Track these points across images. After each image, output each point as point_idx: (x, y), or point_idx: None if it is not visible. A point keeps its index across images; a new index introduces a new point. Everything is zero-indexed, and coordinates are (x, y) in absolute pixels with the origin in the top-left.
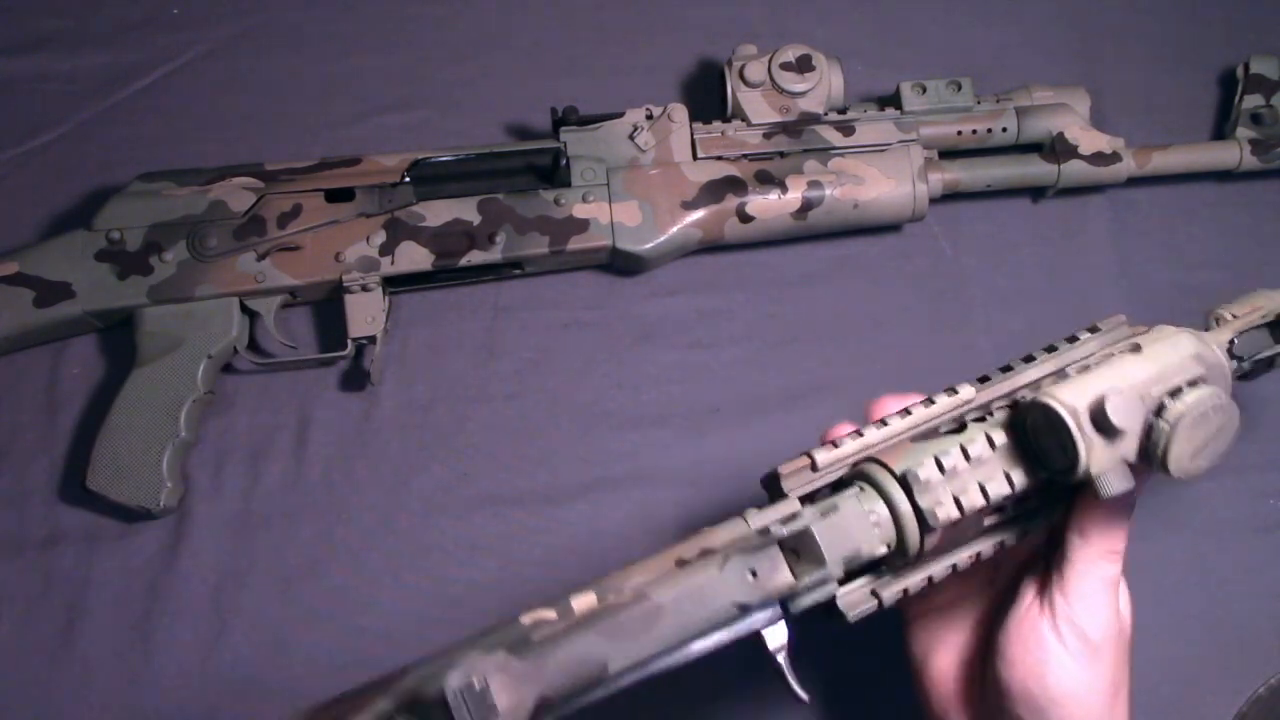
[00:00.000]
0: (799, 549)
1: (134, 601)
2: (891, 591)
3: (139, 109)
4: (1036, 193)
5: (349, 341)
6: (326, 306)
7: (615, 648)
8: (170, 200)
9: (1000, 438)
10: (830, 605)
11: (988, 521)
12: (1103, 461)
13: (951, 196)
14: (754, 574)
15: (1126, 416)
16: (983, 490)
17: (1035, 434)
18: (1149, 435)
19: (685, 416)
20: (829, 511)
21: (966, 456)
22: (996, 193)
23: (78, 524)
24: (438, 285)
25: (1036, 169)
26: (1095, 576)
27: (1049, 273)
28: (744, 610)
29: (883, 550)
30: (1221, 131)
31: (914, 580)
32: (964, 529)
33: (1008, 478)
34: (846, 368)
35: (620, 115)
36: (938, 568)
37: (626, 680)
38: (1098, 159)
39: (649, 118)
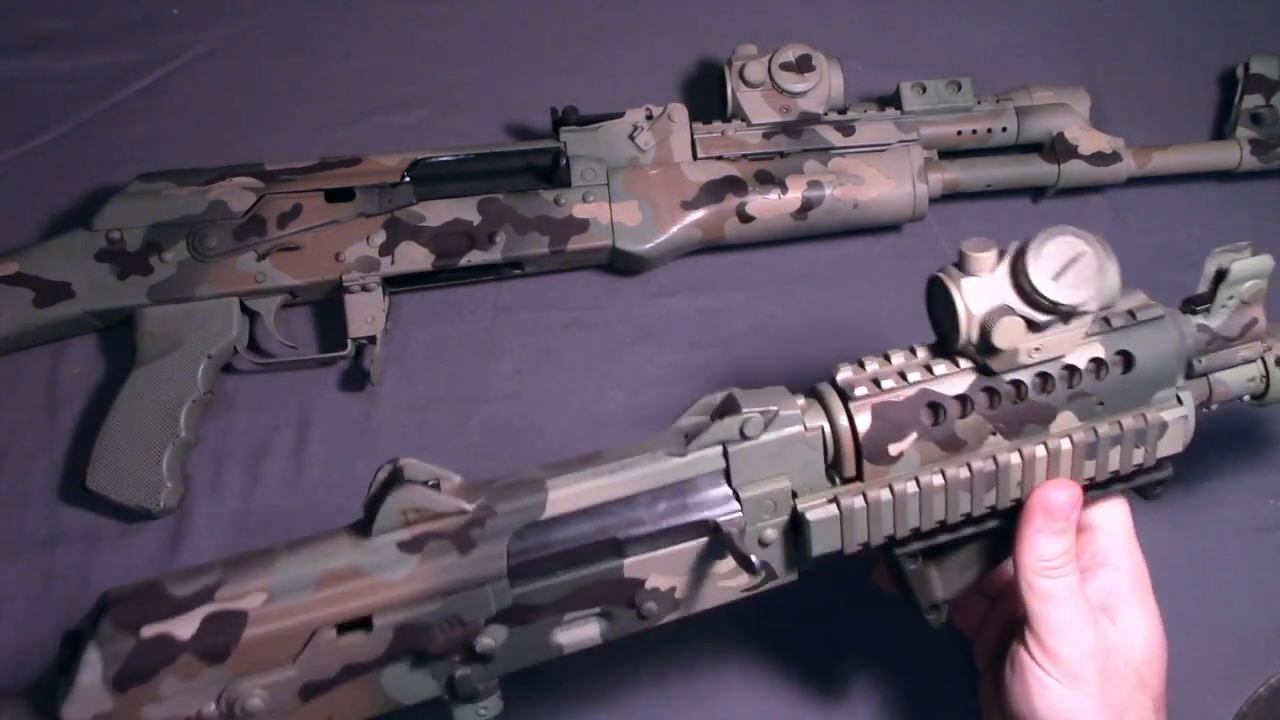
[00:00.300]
0: (725, 412)
1: None
2: (852, 501)
3: (139, 109)
4: (1036, 193)
5: (349, 341)
6: (326, 306)
7: (555, 477)
8: (170, 200)
9: (921, 349)
10: (795, 520)
11: (939, 435)
12: (977, 300)
13: (951, 196)
14: (687, 436)
15: (978, 245)
16: (901, 375)
17: (940, 328)
18: (1015, 269)
19: None
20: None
21: (888, 360)
22: (996, 193)
23: (78, 524)
24: (438, 285)
25: (1036, 169)
26: (1043, 594)
27: None
28: (674, 456)
29: (813, 423)
30: (1221, 131)
31: (875, 490)
32: (899, 422)
33: (927, 368)
34: None
35: (620, 115)
36: (899, 481)
37: (581, 529)
38: (1098, 159)
39: (649, 118)
